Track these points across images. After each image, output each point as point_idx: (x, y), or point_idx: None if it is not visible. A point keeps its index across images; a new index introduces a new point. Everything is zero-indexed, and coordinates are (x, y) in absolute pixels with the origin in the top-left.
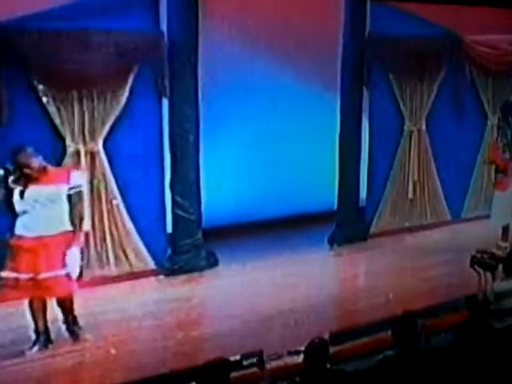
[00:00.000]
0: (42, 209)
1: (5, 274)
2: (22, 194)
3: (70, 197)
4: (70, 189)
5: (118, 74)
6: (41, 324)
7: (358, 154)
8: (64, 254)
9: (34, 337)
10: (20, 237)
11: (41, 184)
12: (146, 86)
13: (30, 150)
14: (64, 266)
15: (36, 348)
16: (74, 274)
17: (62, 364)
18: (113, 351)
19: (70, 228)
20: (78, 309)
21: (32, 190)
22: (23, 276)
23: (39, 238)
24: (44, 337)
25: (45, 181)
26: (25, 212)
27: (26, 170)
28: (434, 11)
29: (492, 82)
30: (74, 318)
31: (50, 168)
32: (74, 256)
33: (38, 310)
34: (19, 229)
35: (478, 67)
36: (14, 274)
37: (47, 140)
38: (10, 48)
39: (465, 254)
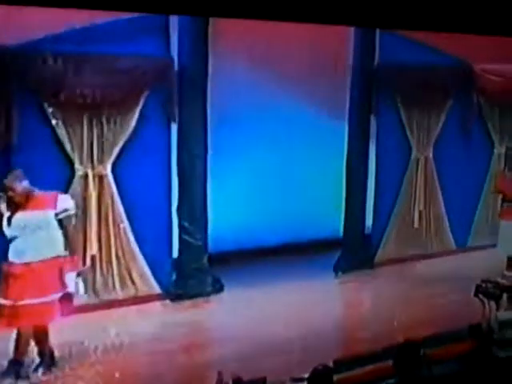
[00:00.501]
0: (31, 235)
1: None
2: (9, 220)
3: (60, 221)
4: (58, 214)
5: (127, 98)
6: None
7: (365, 182)
8: (57, 280)
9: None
10: (11, 263)
11: (28, 210)
12: (155, 110)
13: (17, 172)
14: (56, 291)
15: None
16: (73, 298)
17: None
18: (117, 375)
19: (63, 253)
20: (82, 331)
21: (19, 215)
22: (13, 303)
23: (28, 264)
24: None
25: (32, 206)
26: (15, 238)
27: (11, 194)
28: (443, 40)
29: (499, 110)
30: (52, 352)
31: (37, 193)
32: (70, 281)
33: (21, 340)
34: (11, 255)
35: (486, 96)
36: (6, 302)
37: (56, 163)
38: (21, 71)
39: (470, 284)
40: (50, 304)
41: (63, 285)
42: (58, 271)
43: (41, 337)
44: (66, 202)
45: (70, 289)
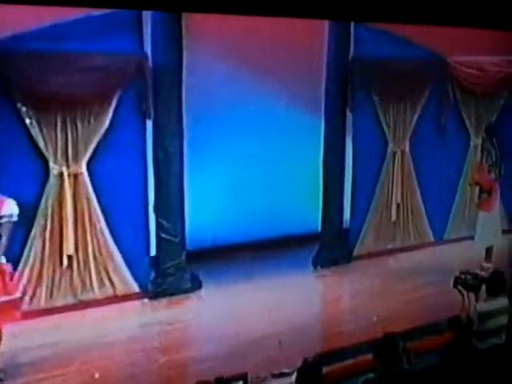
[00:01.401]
0: None
1: None
2: None
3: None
4: (1, 217)
5: (101, 95)
6: None
7: (342, 176)
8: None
9: None
10: None
11: None
12: (130, 107)
13: None
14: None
15: None
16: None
17: None
18: (96, 375)
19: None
20: (61, 333)
21: None
22: None
23: None
24: None
25: None
26: None
27: None
28: (417, 33)
29: (475, 102)
30: None
31: None
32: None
33: None
34: None
35: (462, 88)
36: None
37: (30, 162)
38: None
39: (448, 276)
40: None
41: (6, 291)
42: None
43: None
44: (11, 207)
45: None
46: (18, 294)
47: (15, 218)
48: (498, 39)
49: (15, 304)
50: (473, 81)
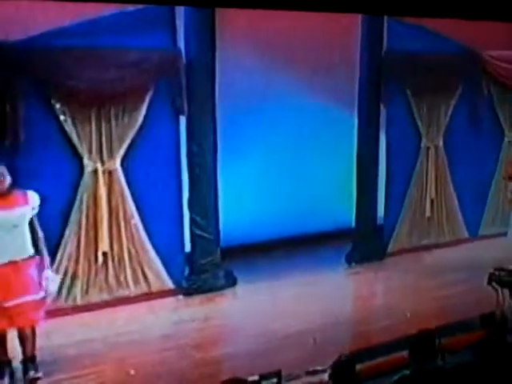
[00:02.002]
0: (6, 235)
1: None
2: None
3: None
4: (33, 209)
5: (135, 92)
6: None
7: (376, 172)
8: (34, 280)
9: None
10: None
11: (8, 207)
12: (163, 104)
13: (1, 168)
14: (35, 292)
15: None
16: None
17: None
18: (131, 372)
19: (32, 253)
20: (97, 330)
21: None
22: None
23: (5, 265)
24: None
25: (11, 203)
26: None
27: None
28: (452, 27)
29: (510, 97)
30: (33, 356)
31: (13, 191)
32: (49, 279)
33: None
34: None
35: (496, 83)
36: None
37: (65, 159)
38: (27, 67)
39: (482, 272)
40: (36, 304)
41: (41, 285)
42: (36, 271)
43: (26, 338)
44: (35, 199)
45: (47, 288)
46: (37, 295)
47: (37, 210)
48: None
49: (34, 305)
50: (507, 75)
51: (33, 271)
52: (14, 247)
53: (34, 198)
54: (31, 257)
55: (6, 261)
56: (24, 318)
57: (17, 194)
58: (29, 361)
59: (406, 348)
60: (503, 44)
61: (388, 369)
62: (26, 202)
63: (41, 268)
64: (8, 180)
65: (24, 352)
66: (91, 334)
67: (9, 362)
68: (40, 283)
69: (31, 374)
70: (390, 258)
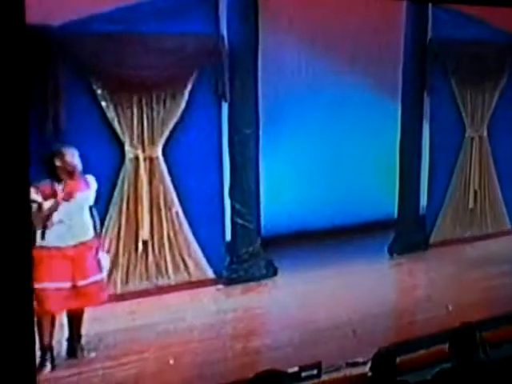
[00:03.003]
0: (76, 216)
1: (43, 285)
2: (65, 200)
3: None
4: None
5: (177, 78)
6: (48, 341)
7: (419, 162)
8: (96, 261)
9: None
10: (55, 247)
11: (78, 190)
12: (205, 90)
13: (73, 150)
14: (99, 272)
15: (48, 367)
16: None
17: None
18: (171, 361)
19: (94, 234)
20: (137, 318)
21: (72, 195)
22: (64, 285)
23: (78, 246)
24: (50, 355)
25: (80, 186)
26: (60, 222)
27: (68, 172)
28: (497, 15)
29: None
30: (80, 335)
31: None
32: (104, 262)
33: (48, 326)
34: (52, 239)
35: None
36: (54, 285)
37: (106, 146)
38: (69, 52)
39: None
40: (101, 284)
41: (100, 267)
42: (96, 253)
43: (76, 321)
44: (94, 183)
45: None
46: (102, 274)
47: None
48: None
49: (101, 285)
50: None
51: (96, 252)
52: (83, 228)
53: (93, 182)
54: (94, 238)
55: (78, 242)
56: (93, 298)
57: (81, 177)
58: (76, 340)
59: (447, 341)
60: None
61: (429, 362)
62: (89, 186)
63: (98, 250)
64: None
65: (71, 331)
66: (131, 322)
67: (51, 348)
68: (101, 264)
69: (85, 353)
70: (432, 249)
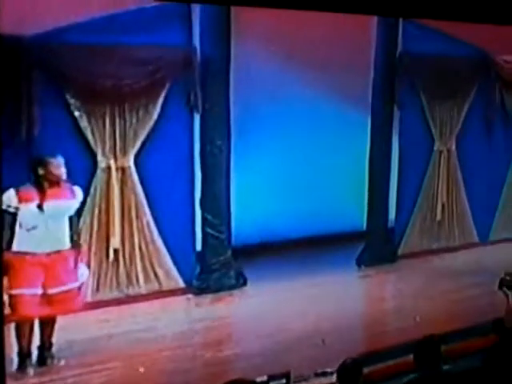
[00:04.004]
0: (53, 224)
1: (17, 291)
2: (40, 206)
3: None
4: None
5: (150, 89)
6: (26, 346)
7: (388, 174)
8: (72, 271)
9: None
10: (30, 253)
11: (58, 198)
12: (178, 101)
13: (60, 159)
14: (73, 281)
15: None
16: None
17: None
18: (141, 370)
19: (71, 244)
20: (107, 327)
21: (52, 203)
22: (36, 292)
23: (52, 254)
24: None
25: (62, 195)
26: (34, 227)
27: (50, 178)
28: (465, 30)
29: None
30: (51, 343)
31: (63, 182)
32: (82, 272)
33: (27, 331)
34: (27, 245)
35: (509, 87)
36: (27, 291)
37: (78, 155)
38: (43, 62)
39: (492, 277)
40: (74, 293)
41: (77, 276)
42: (74, 263)
43: (48, 328)
44: (80, 194)
45: (82, 280)
46: (76, 284)
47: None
48: None
49: (73, 295)
50: None
51: (75, 262)
52: (59, 237)
53: (80, 193)
54: (72, 248)
55: (53, 250)
56: (65, 306)
57: (66, 186)
58: (47, 348)
59: (413, 352)
60: None
61: (396, 372)
62: (74, 196)
63: (77, 260)
64: (65, 171)
65: (42, 338)
66: (102, 330)
67: (30, 354)
68: (76, 274)
69: (55, 361)
70: (400, 261)
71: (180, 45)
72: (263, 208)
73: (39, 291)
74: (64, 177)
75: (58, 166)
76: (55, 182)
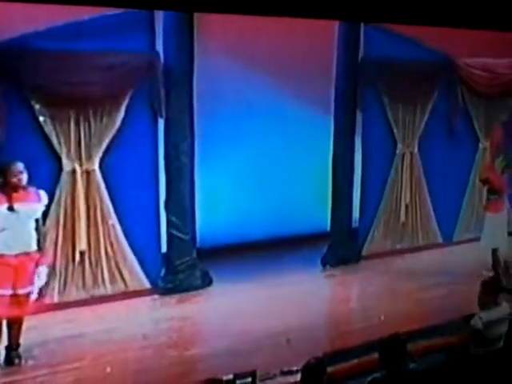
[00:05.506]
0: (20, 227)
1: None
2: (10, 208)
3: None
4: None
5: (114, 94)
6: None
7: (351, 176)
8: (34, 273)
9: None
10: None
11: (23, 201)
12: (142, 106)
13: (19, 165)
14: (32, 284)
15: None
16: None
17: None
18: (108, 370)
19: (36, 247)
20: (74, 328)
21: (18, 206)
22: (6, 292)
23: (20, 255)
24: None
25: (27, 198)
26: (2, 230)
27: (14, 182)
28: (427, 34)
29: (484, 104)
30: (18, 344)
31: (28, 187)
32: (42, 275)
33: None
34: None
35: (471, 90)
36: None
37: (43, 159)
38: (6, 68)
39: (456, 277)
40: (29, 296)
41: (36, 279)
42: (35, 265)
43: (15, 329)
44: (45, 198)
45: (41, 283)
46: (30, 288)
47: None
48: (509, 41)
49: (27, 297)
50: (482, 83)
51: (36, 264)
52: (26, 239)
53: (45, 197)
54: (36, 250)
55: (21, 252)
56: (30, 307)
57: (31, 190)
58: (14, 348)
59: (378, 350)
60: (478, 51)
61: (360, 371)
62: (39, 200)
63: (39, 262)
64: (26, 176)
65: (10, 339)
66: (68, 331)
67: None
68: (34, 278)
69: (22, 361)
70: (364, 261)
71: (143, 50)
72: (228, 210)
73: (9, 292)
74: (24, 182)
75: (17, 173)
76: (19, 187)
